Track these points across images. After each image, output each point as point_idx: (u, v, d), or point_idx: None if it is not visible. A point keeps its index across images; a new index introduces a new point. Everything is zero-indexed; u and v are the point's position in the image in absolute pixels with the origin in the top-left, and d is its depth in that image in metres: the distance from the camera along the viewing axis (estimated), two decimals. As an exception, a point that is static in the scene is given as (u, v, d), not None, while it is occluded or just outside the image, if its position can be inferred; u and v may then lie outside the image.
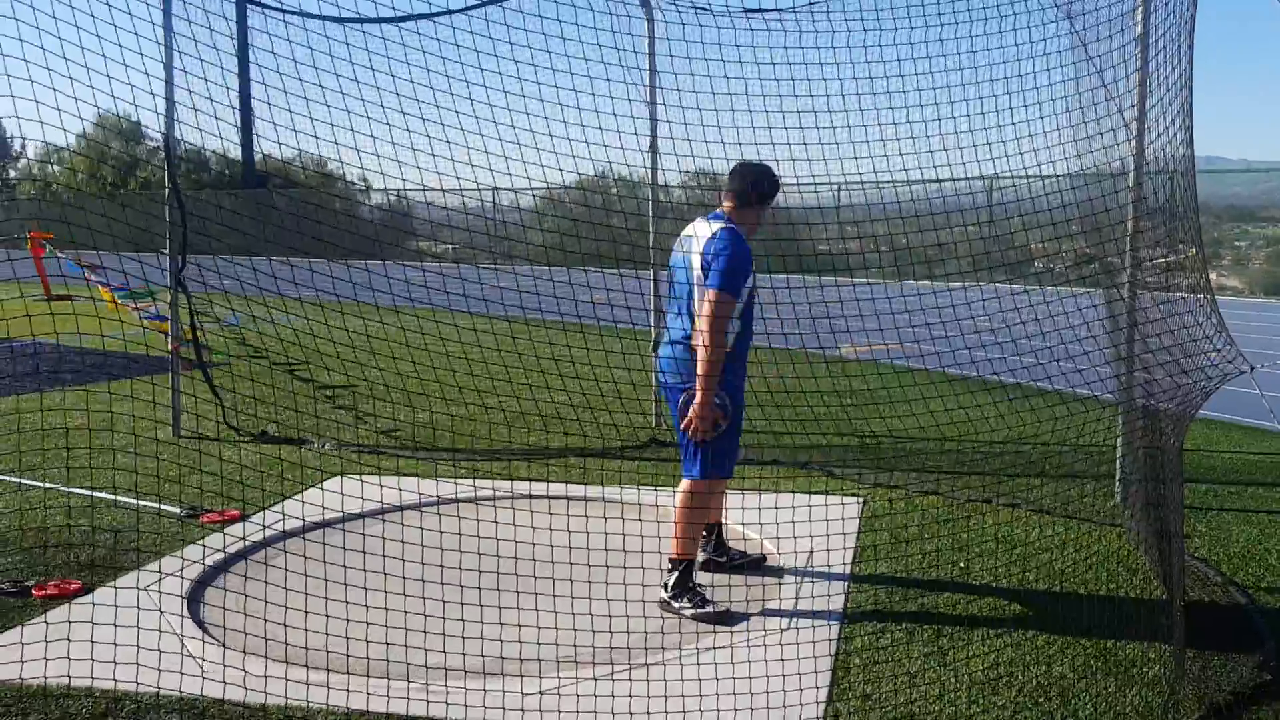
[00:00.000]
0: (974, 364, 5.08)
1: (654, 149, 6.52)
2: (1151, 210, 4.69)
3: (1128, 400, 4.62)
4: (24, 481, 5.79)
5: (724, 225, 4.14)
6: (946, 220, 5.33)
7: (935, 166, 4.97)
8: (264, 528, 5.06)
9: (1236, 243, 26.83)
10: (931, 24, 4.98)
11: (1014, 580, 4.58)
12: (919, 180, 5.07)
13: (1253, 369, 2.99)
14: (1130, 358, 4.49)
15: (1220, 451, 7.17)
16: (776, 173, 4.29)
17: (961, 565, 4.77)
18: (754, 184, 4.20)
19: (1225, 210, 27.38)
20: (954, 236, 5.36)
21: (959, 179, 5.19)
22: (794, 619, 4.12)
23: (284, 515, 5.21)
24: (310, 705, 3.32)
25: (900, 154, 4.94)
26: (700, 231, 4.17)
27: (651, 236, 6.89)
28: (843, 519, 5.12)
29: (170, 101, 6.47)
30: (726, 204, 4.25)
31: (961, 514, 5.56)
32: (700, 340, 3.97)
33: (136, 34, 3.76)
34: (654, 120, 6.45)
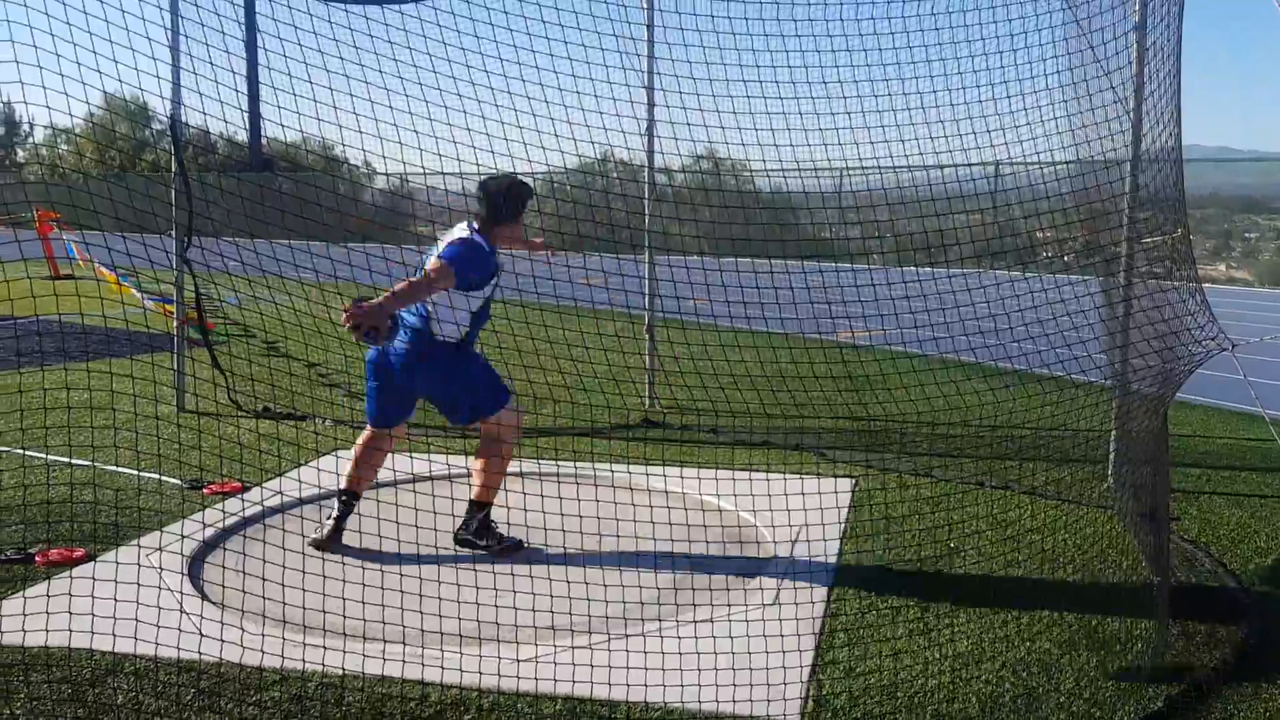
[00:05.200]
0: (973, 350, 5.12)
1: (651, 131, 6.54)
2: (1149, 198, 4.72)
3: (1123, 384, 4.66)
4: (28, 453, 5.86)
5: (471, 233, 4.47)
6: (949, 205, 5.35)
7: (937, 152, 4.96)
8: (265, 500, 5.14)
9: (1247, 234, 26.64)
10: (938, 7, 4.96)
11: (1003, 560, 4.64)
12: (920, 166, 5.08)
13: (1234, 346, 3.04)
14: (1125, 344, 4.53)
15: (1215, 437, 7.21)
16: (499, 189, 4.47)
17: (951, 545, 4.82)
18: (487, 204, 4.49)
19: (1235, 201, 27.13)
20: (955, 223, 5.38)
21: (960, 164, 5.20)
22: (780, 594, 4.18)
23: (286, 488, 5.29)
24: (306, 668, 3.40)
25: (900, 140, 4.93)
26: (449, 235, 4.51)
27: (647, 217, 6.92)
28: (836, 503, 5.16)
29: (176, 69, 6.50)
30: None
31: (955, 495, 5.61)
32: (404, 283, 4.22)
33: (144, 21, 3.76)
34: (651, 103, 6.46)
